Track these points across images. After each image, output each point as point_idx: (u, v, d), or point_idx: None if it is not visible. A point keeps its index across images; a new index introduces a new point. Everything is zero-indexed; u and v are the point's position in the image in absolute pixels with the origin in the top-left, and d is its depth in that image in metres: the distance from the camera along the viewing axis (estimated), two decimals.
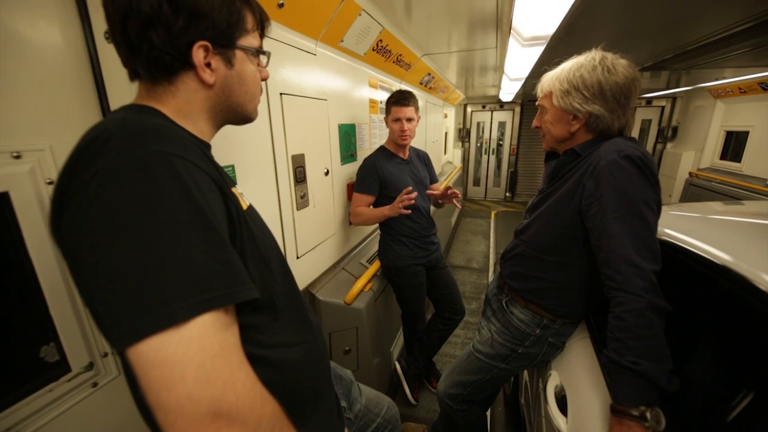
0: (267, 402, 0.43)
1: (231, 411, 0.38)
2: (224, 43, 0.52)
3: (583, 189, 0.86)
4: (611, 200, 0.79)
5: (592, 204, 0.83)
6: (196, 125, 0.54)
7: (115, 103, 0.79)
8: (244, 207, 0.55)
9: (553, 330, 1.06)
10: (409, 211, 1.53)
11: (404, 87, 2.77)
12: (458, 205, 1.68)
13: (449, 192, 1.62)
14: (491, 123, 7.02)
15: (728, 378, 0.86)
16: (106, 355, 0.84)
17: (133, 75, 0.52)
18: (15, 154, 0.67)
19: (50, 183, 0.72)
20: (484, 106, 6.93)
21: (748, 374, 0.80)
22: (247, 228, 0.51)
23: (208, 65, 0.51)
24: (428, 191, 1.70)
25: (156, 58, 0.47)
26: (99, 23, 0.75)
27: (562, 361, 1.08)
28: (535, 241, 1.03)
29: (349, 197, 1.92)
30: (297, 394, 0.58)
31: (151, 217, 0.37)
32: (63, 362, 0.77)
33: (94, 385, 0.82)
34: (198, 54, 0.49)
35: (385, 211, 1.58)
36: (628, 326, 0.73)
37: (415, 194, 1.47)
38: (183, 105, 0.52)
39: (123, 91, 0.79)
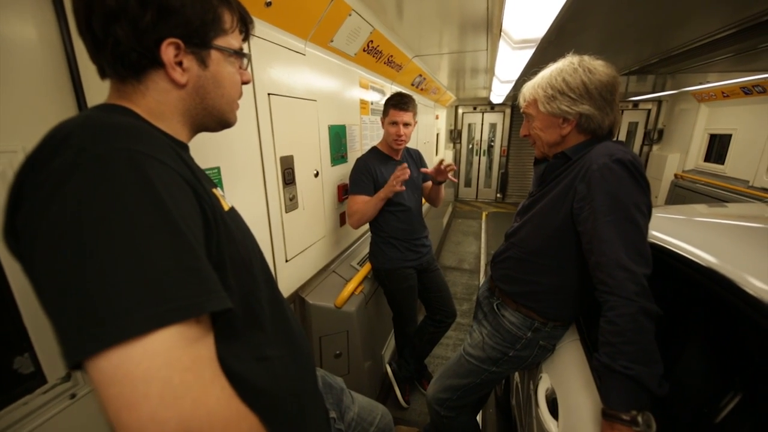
0: (245, 419, 0.40)
1: (203, 430, 0.35)
2: (198, 42, 0.49)
3: (575, 192, 0.86)
4: (603, 204, 0.79)
5: (583, 207, 0.83)
6: (170, 126, 0.51)
7: (92, 102, 0.76)
8: (225, 208, 0.53)
9: (544, 333, 1.05)
10: (404, 188, 1.50)
11: (396, 88, 2.76)
12: (453, 179, 1.66)
13: (444, 167, 1.57)
14: (482, 125, 7.06)
15: (716, 379, 0.86)
16: None
17: (101, 72, 0.50)
18: None
19: None
20: (475, 108, 6.97)
21: (736, 375, 0.81)
22: (227, 230, 0.49)
23: (180, 64, 0.49)
24: (423, 169, 1.70)
25: (122, 54, 0.45)
26: None
27: (553, 364, 1.08)
28: (526, 244, 1.03)
29: (340, 199, 1.90)
30: (280, 411, 0.56)
31: (109, 219, 0.34)
32: (38, 373, 0.74)
33: (72, 396, 0.79)
34: (167, 51, 0.47)
35: (380, 194, 1.54)
36: (620, 330, 0.73)
37: (408, 171, 1.45)
38: (154, 105, 0.49)
39: (102, 89, 0.74)
